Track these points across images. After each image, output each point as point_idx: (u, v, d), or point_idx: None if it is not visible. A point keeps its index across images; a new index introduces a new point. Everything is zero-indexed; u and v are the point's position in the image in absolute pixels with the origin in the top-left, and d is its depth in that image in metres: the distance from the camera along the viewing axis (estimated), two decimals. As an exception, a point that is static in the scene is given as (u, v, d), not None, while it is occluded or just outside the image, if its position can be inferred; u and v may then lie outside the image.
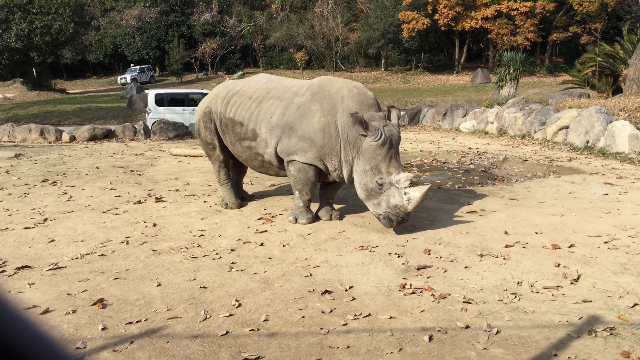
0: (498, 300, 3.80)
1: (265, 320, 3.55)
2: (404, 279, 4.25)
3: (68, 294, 4.04)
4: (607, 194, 6.94)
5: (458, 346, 3.16)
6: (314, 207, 6.39)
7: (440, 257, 4.75)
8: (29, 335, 0.53)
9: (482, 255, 4.75)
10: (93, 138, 14.89)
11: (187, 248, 5.15)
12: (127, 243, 5.34)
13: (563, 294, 3.89)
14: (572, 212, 6.11)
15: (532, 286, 4.04)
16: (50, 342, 0.54)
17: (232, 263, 4.69)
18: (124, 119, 20.81)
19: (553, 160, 9.79)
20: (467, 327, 3.40)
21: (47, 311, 3.73)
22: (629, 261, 4.52)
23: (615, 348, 3.09)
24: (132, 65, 49.72)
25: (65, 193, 7.72)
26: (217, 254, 4.96)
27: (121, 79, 46.07)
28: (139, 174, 9.24)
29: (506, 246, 4.99)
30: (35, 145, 14.15)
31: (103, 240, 5.43)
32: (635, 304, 3.66)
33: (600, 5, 37.54)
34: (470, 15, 40.94)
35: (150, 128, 15.70)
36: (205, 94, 14.61)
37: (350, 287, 4.09)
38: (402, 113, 17.01)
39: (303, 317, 3.59)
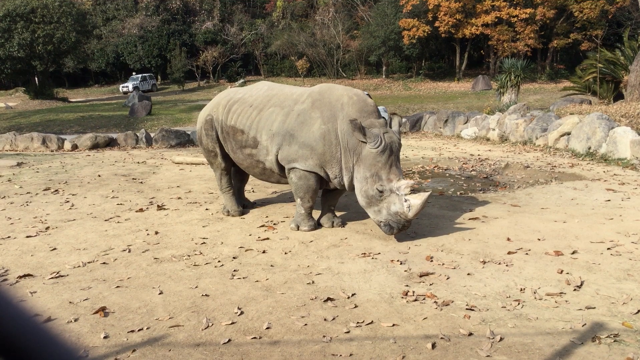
0: (501, 307, 3.79)
1: (267, 328, 3.54)
2: (407, 286, 4.24)
3: (70, 302, 4.03)
4: (609, 200, 6.92)
5: (461, 354, 3.15)
6: (316, 214, 6.39)
7: (443, 264, 4.74)
8: (39, 339, 0.53)
9: (484, 262, 4.74)
10: (95, 146, 14.93)
11: (189, 256, 5.15)
12: (129, 251, 5.34)
13: (566, 301, 3.87)
14: (575, 219, 6.10)
15: (535, 293, 4.02)
16: (60, 345, 0.55)
17: (234, 271, 4.69)
18: (125, 127, 20.86)
19: (555, 166, 9.78)
20: (470, 334, 3.39)
21: (49, 320, 3.72)
22: (632, 267, 4.50)
23: (619, 355, 3.07)
24: (134, 73, 49.96)
25: (67, 201, 7.73)
26: (219, 261, 4.96)
27: (123, 87, 46.27)
28: (141, 182, 9.26)
29: (509, 253, 4.98)
30: (37, 153, 14.19)
31: (105, 249, 5.43)
32: (639, 311, 3.65)
33: (601, 11, 37.71)
34: (471, 22, 41.15)
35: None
36: None
37: (352, 295, 4.08)
38: (403, 120, 17.07)
39: (305, 324, 3.58)
